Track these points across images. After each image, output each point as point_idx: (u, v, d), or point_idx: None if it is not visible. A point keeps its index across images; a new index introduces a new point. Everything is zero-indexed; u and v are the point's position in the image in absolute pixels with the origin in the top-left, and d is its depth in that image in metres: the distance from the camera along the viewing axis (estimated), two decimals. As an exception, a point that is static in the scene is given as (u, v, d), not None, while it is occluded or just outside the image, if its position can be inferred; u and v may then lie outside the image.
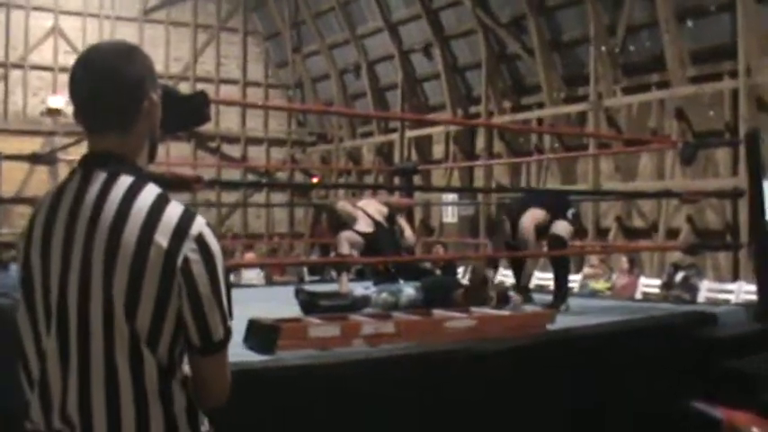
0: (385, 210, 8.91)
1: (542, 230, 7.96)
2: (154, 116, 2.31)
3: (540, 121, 18.51)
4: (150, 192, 2.18)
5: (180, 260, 2.12)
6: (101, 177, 2.18)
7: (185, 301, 2.14)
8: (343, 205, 8.99)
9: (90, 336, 2.10)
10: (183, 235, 2.13)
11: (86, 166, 2.23)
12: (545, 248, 8.29)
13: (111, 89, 2.22)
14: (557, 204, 8.09)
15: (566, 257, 8.13)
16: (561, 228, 7.87)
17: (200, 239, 2.15)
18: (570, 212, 8.01)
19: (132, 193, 2.15)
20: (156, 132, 2.35)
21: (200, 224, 2.17)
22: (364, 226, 8.63)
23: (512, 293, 7.46)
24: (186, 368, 2.24)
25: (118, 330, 2.09)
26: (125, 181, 2.17)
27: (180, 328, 2.16)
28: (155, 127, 2.34)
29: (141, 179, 2.20)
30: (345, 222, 8.76)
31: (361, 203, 9.02)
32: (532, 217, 7.94)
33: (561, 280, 7.96)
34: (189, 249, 2.13)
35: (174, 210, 2.16)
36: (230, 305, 2.24)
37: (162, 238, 2.11)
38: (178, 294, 2.12)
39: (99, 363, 2.09)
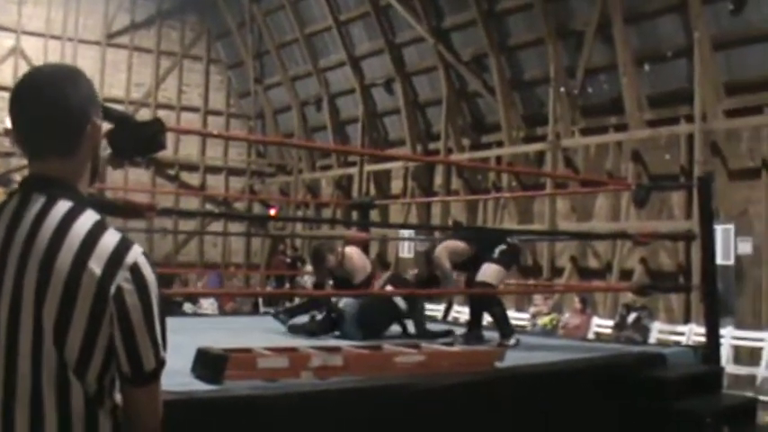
0: (369, 269, 8.88)
1: (467, 264, 7.99)
2: (96, 140, 2.29)
3: (498, 159, 18.62)
4: (88, 218, 2.15)
5: (113, 289, 2.09)
6: (39, 201, 2.15)
7: (117, 331, 2.11)
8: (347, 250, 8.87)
9: (17, 360, 2.06)
10: (118, 263, 2.11)
11: (25, 189, 2.20)
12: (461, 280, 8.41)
13: (54, 114, 2.20)
14: (483, 240, 8.11)
15: (494, 297, 8.10)
16: (488, 273, 7.85)
17: (134, 268, 2.13)
18: (498, 250, 7.94)
19: (69, 219, 2.12)
20: (97, 156, 2.33)
21: (135, 253, 2.15)
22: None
23: None
24: (118, 397, 2.21)
25: (46, 356, 2.06)
26: (63, 206, 2.14)
27: (111, 357, 2.13)
28: (96, 151, 2.31)
29: (80, 204, 2.17)
30: (338, 272, 8.70)
31: (353, 251, 8.97)
32: (445, 247, 8.04)
33: (499, 319, 8.00)
34: (122, 278, 2.10)
35: (110, 238, 2.14)
36: (164, 335, 2.22)
37: (96, 265, 2.08)
38: (110, 323, 2.10)
39: (25, 387, 2.06)
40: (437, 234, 16.63)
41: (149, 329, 2.16)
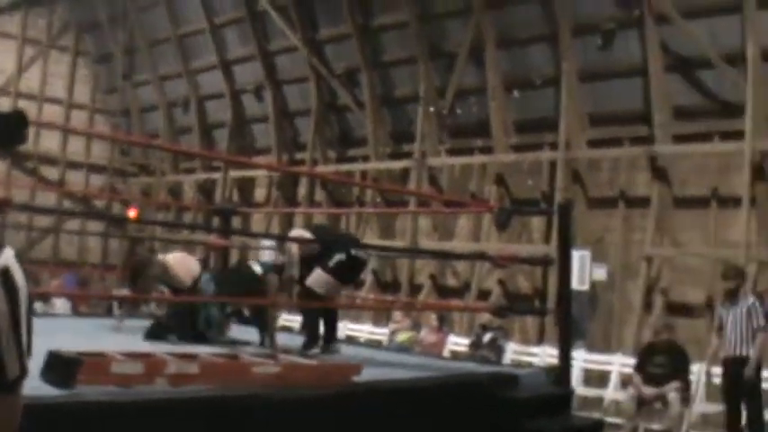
0: (196, 271, 8.77)
1: (308, 261, 7.96)
2: None
3: (363, 173, 18.70)
4: None
5: None
6: None
7: None
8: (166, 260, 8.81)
9: None
10: None
11: None
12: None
13: None
14: (328, 244, 8.05)
15: (314, 309, 8.09)
16: (314, 279, 7.77)
17: (5, 273, 2.05)
18: (336, 259, 7.78)
19: None
20: None
21: (6, 257, 2.07)
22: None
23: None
24: None
25: None
26: None
27: None
28: None
29: None
30: (164, 279, 8.63)
31: (173, 258, 8.87)
32: (291, 236, 8.14)
33: (308, 326, 8.09)
34: None
35: None
36: (30, 343, 2.14)
37: None
38: None
39: None
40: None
41: (15, 336, 2.07)
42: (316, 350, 7.66)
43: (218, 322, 7.90)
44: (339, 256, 7.82)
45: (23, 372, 2.13)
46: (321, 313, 8.02)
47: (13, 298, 2.06)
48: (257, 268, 8.19)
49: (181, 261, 8.76)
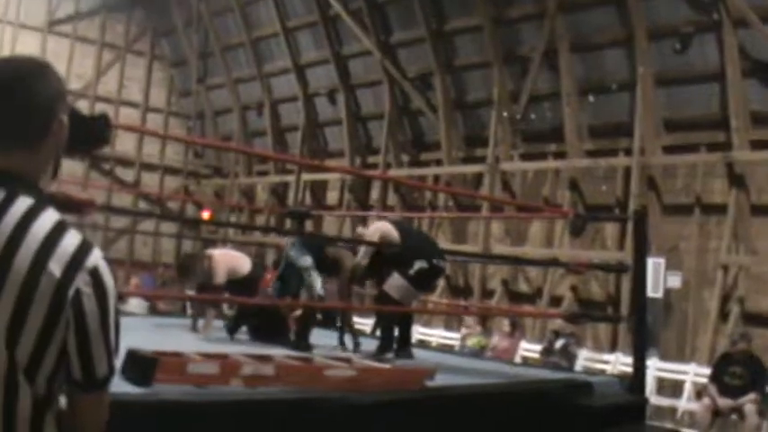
0: (245, 269, 8.90)
1: (384, 263, 7.97)
2: (60, 138, 2.20)
3: (436, 178, 18.67)
4: (49, 217, 2.07)
5: (71, 292, 2.02)
6: None
7: (72, 335, 2.04)
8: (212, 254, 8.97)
9: None
10: (78, 267, 2.03)
11: None
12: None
13: (20, 107, 2.10)
14: (411, 248, 8.02)
15: (391, 314, 8.09)
16: (391, 285, 7.84)
17: (94, 273, 2.06)
18: (417, 267, 7.83)
19: (30, 217, 2.03)
20: (60, 154, 2.26)
21: (96, 257, 2.08)
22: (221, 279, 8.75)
23: None
24: (62, 401, 2.15)
25: None
26: (24, 202, 2.05)
27: (62, 361, 2.06)
28: (60, 148, 2.24)
29: (41, 202, 2.08)
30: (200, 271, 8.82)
31: (218, 254, 9.02)
32: (377, 227, 8.15)
33: (384, 330, 8.17)
34: (82, 282, 2.03)
35: (71, 239, 2.06)
36: (117, 342, 2.16)
37: (56, 267, 2.01)
38: (65, 326, 2.02)
39: None
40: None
41: (104, 336, 2.09)
42: (390, 354, 7.68)
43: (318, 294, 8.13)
44: (420, 264, 7.84)
45: (112, 370, 2.15)
46: (397, 318, 8.03)
47: (103, 298, 2.08)
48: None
49: (224, 258, 8.90)
